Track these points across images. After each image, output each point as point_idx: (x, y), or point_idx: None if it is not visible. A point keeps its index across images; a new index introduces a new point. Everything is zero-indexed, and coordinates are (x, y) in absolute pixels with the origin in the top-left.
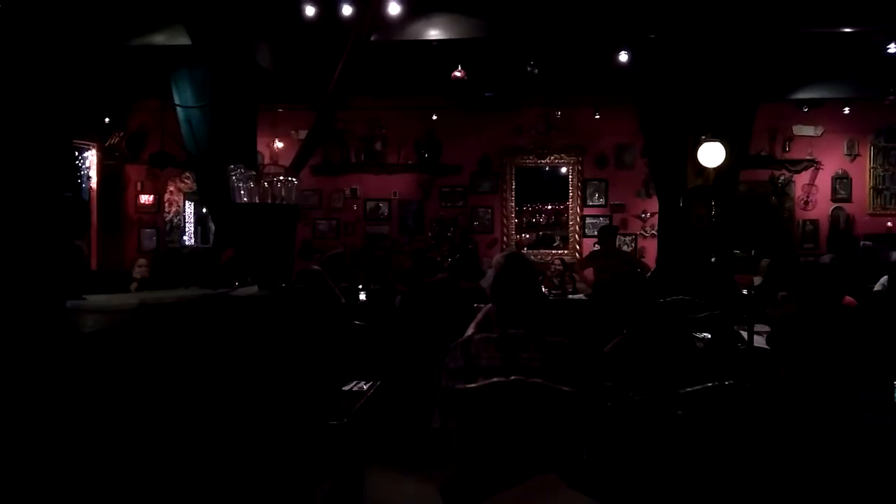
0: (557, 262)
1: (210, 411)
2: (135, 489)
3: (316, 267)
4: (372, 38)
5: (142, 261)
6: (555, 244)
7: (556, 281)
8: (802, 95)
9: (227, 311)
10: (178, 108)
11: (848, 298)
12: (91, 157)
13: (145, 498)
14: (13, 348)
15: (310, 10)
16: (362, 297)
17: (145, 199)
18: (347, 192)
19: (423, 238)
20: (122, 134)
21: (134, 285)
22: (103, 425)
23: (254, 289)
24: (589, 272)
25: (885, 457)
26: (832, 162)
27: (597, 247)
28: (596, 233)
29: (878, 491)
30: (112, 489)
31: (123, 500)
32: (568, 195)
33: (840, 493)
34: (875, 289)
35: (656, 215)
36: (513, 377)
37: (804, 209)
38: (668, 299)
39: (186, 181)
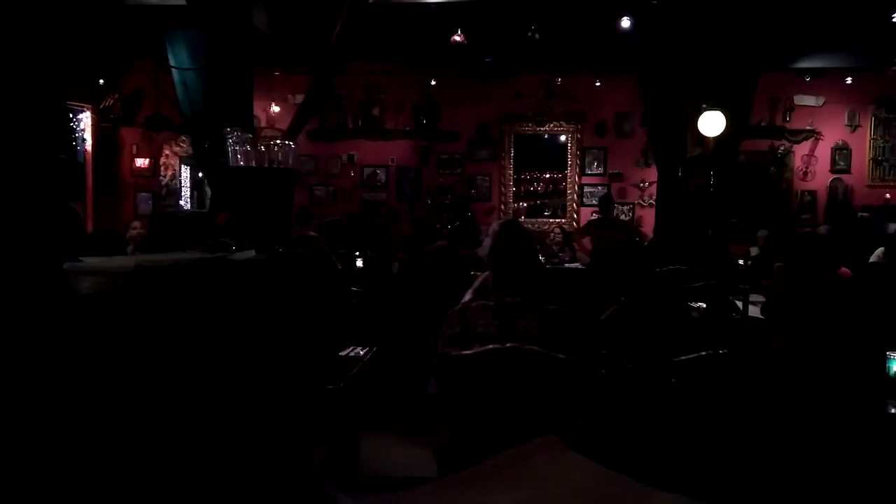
0: (557, 230)
1: (207, 374)
2: (131, 453)
3: (313, 233)
4: (370, 1)
5: (136, 223)
6: (553, 213)
7: (555, 248)
8: (804, 64)
9: (225, 274)
10: (174, 70)
11: (843, 269)
12: (86, 120)
13: (141, 463)
14: (9, 310)
15: None
16: (359, 263)
17: (141, 162)
18: (344, 158)
19: (423, 205)
20: (116, 96)
21: (130, 248)
22: (100, 387)
23: (251, 253)
24: (586, 241)
25: (876, 427)
26: (832, 132)
27: (594, 215)
28: (594, 202)
29: (870, 460)
30: (107, 453)
31: (119, 465)
32: (566, 164)
33: (832, 463)
34: (871, 260)
35: (655, 184)
36: (509, 344)
37: (803, 180)
38: (665, 268)
39: (182, 145)
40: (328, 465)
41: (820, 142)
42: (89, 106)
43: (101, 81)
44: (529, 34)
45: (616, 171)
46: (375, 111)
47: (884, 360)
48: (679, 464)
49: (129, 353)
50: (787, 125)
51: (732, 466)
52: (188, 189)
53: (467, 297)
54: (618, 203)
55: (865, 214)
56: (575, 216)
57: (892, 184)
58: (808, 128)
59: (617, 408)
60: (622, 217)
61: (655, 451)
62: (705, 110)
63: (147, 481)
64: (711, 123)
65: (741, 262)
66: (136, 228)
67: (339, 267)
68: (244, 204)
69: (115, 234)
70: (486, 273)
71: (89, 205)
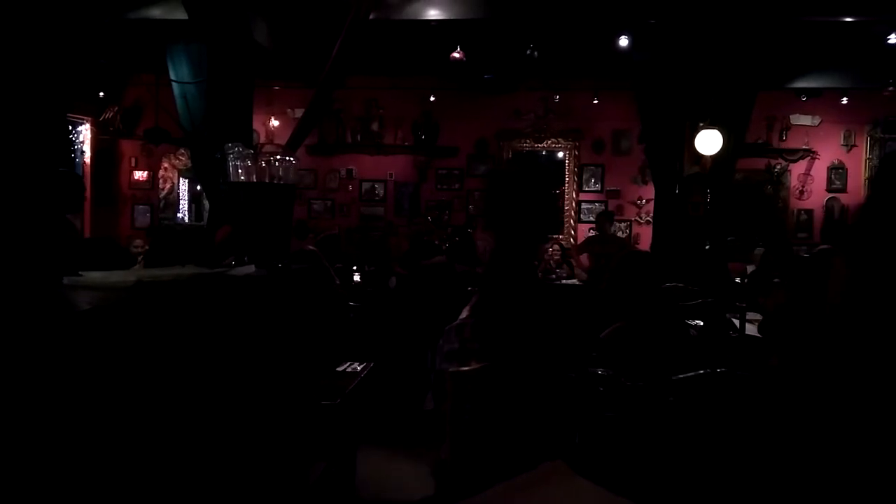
0: (556, 248)
1: (205, 391)
2: (127, 468)
3: (311, 247)
4: (371, 17)
5: (138, 241)
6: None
7: (553, 264)
8: (801, 84)
9: (225, 290)
10: (174, 84)
11: None
12: (85, 132)
13: (137, 478)
14: (8, 325)
15: None
16: (357, 278)
17: (139, 175)
18: (343, 172)
19: (423, 220)
20: (116, 108)
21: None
22: (99, 403)
23: (251, 268)
24: (583, 258)
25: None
26: (828, 152)
27: (592, 232)
28: (591, 218)
29: (865, 479)
30: (104, 468)
31: (114, 479)
32: (564, 180)
33: (827, 480)
34: None
35: (652, 202)
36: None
37: (799, 199)
38: (662, 286)
39: (181, 158)
40: (325, 483)
41: (816, 161)
42: (89, 118)
43: (102, 94)
44: (528, 52)
45: (613, 189)
46: (374, 126)
47: None
48: (677, 482)
49: (129, 368)
50: (784, 144)
51: (730, 485)
52: (186, 202)
53: (464, 313)
54: (615, 220)
55: None
56: (572, 232)
57: None
58: (804, 147)
59: (615, 426)
60: (619, 234)
61: (653, 469)
62: (702, 129)
63: (144, 497)
64: (708, 142)
65: (738, 279)
66: (138, 247)
67: (337, 281)
68: (244, 219)
69: (119, 245)
70: None
71: (87, 217)
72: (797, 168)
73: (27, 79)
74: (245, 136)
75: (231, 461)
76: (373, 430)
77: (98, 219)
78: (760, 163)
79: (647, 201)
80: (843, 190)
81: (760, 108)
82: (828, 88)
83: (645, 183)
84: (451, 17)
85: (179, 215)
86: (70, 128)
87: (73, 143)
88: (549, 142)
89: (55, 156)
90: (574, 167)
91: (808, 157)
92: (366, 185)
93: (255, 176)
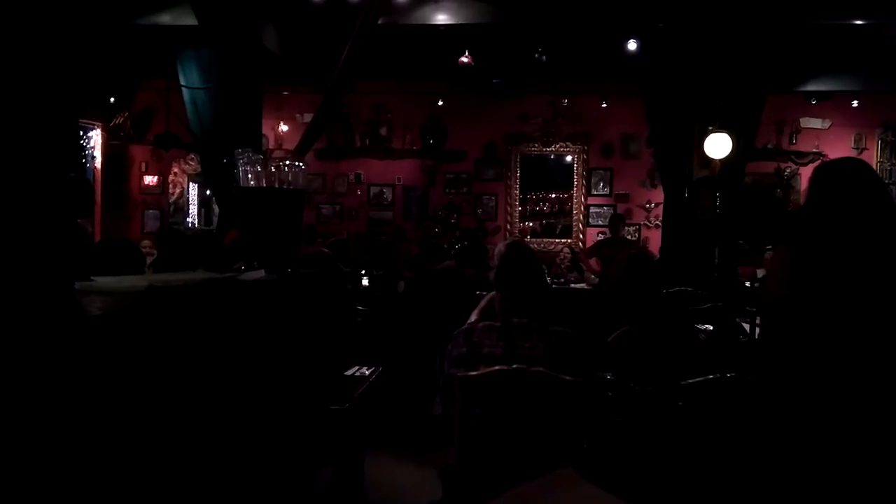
0: (567, 251)
1: (215, 395)
2: (136, 472)
3: (325, 250)
4: (379, 22)
5: (146, 242)
6: (559, 233)
7: (564, 268)
8: (811, 88)
9: (234, 294)
10: (184, 89)
11: None
12: (96, 137)
13: (146, 482)
14: (19, 329)
15: None
16: (365, 282)
17: (149, 179)
18: (351, 176)
19: (431, 224)
20: (127, 114)
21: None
22: (110, 408)
23: (260, 273)
24: (593, 261)
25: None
26: (839, 155)
27: (600, 236)
28: (600, 222)
29: (880, 486)
30: (111, 471)
31: (123, 483)
32: (572, 184)
33: (840, 487)
34: None
35: (661, 206)
36: (515, 366)
37: None
38: (671, 290)
39: (191, 163)
40: (333, 488)
41: None
42: (100, 123)
43: (112, 99)
44: (536, 56)
45: (622, 192)
46: (383, 130)
47: None
48: (685, 489)
49: (139, 373)
50: (794, 147)
51: (738, 492)
52: (196, 207)
53: (473, 317)
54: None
55: None
56: (581, 236)
57: None
58: (814, 150)
59: (623, 431)
60: (628, 238)
61: (662, 474)
62: (712, 132)
63: (153, 501)
64: (718, 145)
65: (748, 284)
66: (145, 248)
67: (349, 286)
68: (253, 224)
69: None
70: (493, 293)
71: (98, 222)
72: (807, 171)
73: (39, 84)
74: (254, 141)
75: (240, 466)
76: (381, 435)
77: (108, 223)
78: (770, 166)
79: (656, 205)
80: None
81: (770, 112)
82: (837, 92)
83: (654, 186)
84: (460, 22)
85: (189, 220)
86: (81, 133)
87: (84, 148)
88: (558, 146)
89: (67, 161)
90: (583, 171)
91: (819, 161)
92: (374, 190)
93: (264, 181)
